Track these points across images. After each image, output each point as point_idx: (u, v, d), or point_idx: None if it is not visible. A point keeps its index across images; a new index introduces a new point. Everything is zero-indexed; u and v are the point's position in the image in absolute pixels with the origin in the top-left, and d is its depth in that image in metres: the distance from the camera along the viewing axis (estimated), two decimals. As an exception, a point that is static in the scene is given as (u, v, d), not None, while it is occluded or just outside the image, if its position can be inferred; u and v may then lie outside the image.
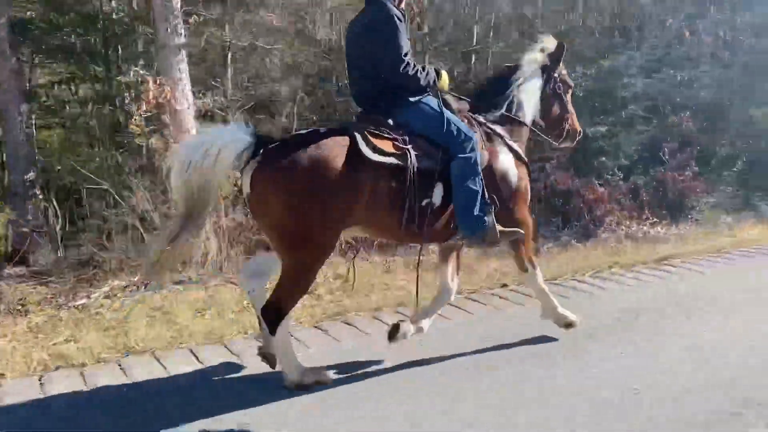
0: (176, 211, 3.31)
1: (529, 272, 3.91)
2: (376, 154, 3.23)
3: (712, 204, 8.10)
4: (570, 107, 4.17)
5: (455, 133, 3.43)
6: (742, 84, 9.81)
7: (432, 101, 3.55)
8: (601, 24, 10.12)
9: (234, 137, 3.16)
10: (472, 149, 3.43)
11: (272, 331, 3.23)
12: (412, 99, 3.48)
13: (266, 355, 3.49)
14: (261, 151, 3.16)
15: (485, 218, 3.47)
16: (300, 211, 3.09)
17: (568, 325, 3.99)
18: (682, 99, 9.23)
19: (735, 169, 8.87)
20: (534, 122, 4.04)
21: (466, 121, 3.61)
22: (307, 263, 3.23)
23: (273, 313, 3.21)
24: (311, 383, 3.31)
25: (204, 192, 3.13)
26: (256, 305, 3.48)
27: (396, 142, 3.32)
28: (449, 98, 3.68)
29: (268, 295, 3.34)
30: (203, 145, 3.11)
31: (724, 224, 7.60)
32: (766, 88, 9.91)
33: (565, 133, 4.18)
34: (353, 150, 3.18)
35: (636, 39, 9.33)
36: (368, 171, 3.20)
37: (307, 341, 4.07)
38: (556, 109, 4.09)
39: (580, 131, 4.27)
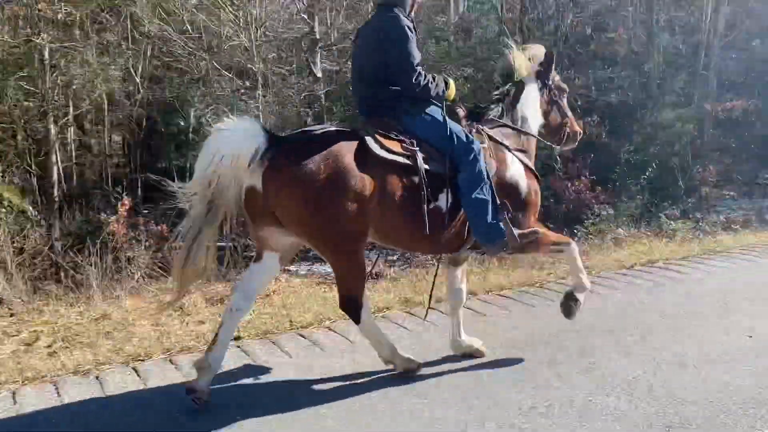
0: (193, 212, 3.23)
1: (566, 251, 3.82)
2: (385, 152, 3.29)
3: (607, 216, 7.40)
4: (568, 111, 4.23)
5: (458, 142, 3.45)
6: (659, 86, 9.29)
7: (435, 111, 3.57)
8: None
9: (249, 134, 3.17)
10: (476, 159, 3.45)
11: (357, 321, 3.39)
12: (416, 107, 3.53)
13: (193, 389, 3.25)
14: (273, 149, 3.16)
15: (501, 225, 3.47)
16: (321, 206, 3.14)
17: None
18: (588, 102, 8.65)
19: (644, 177, 8.20)
20: (538, 131, 4.09)
21: (473, 131, 3.65)
22: (346, 250, 3.29)
23: (350, 306, 3.36)
24: (410, 367, 3.54)
25: (224, 192, 3.15)
26: (226, 321, 3.33)
27: (404, 144, 3.38)
28: (457, 109, 3.73)
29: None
30: (221, 144, 3.15)
31: (612, 240, 6.91)
32: (681, 90, 9.39)
33: (565, 137, 4.23)
34: (363, 148, 3.25)
35: (533, 36, 8.68)
36: (378, 168, 3.25)
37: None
38: (554, 115, 4.15)
39: (580, 132, 4.33)
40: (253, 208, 3.23)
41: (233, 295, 3.46)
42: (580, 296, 3.85)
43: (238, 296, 3.35)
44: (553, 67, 4.11)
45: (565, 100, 4.23)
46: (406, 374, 3.54)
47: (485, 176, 3.46)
